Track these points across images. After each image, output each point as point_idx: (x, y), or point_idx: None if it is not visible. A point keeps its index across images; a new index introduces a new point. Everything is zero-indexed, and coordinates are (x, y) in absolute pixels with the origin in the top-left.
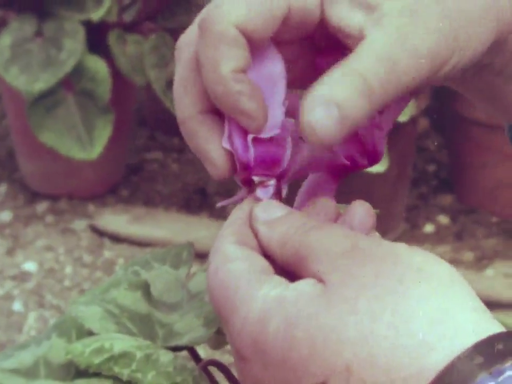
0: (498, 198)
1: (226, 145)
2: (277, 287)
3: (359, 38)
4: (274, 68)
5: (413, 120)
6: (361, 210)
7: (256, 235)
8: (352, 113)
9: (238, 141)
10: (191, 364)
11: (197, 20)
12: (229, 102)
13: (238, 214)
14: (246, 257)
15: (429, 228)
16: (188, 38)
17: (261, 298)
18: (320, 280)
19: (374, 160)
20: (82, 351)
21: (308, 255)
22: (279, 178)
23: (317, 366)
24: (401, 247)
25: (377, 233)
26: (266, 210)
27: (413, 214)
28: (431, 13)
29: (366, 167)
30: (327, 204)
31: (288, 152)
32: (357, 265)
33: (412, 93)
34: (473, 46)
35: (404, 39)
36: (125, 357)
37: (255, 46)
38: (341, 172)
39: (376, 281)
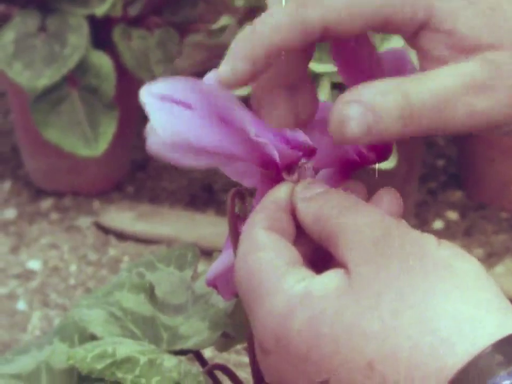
0: (508, 194)
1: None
2: (302, 280)
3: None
4: None
5: None
6: (388, 198)
7: (294, 211)
8: (384, 126)
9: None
10: (196, 368)
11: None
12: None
13: (272, 198)
14: (275, 246)
15: (438, 224)
16: None
17: (286, 291)
18: (348, 271)
19: (383, 156)
20: (85, 356)
21: (340, 236)
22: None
23: (339, 361)
24: (430, 240)
25: (404, 221)
26: (306, 188)
27: (422, 210)
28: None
29: (375, 163)
30: (358, 186)
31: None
32: (386, 258)
33: None
34: None
35: (469, 89)
36: (128, 362)
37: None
38: (349, 168)
39: (402, 277)
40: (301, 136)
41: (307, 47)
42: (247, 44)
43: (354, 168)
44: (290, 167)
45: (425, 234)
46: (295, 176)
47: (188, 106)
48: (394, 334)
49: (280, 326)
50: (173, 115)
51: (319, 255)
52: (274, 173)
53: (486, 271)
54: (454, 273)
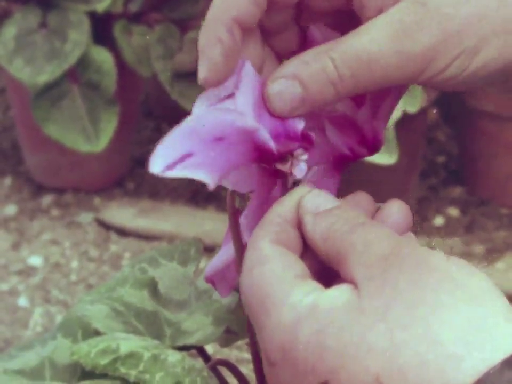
0: (509, 190)
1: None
2: (310, 293)
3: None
4: None
5: (422, 112)
6: (396, 210)
7: (301, 224)
8: (315, 96)
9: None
10: (200, 364)
11: None
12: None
13: (278, 211)
14: (282, 260)
15: (439, 220)
16: None
17: (293, 304)
18: (356, 287)
19: (374, 149)
20: (88, 351)
21: (349, 254)
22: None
23: (346, 376)
24: (439, 255)
25: (412, 235)
26: (315, 201)
27: (422, 206)
28: (439, 12)
29: (366, 156)
30: (366, 198)
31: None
32: (394, 273)
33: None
34: (490, 51)
35: (397, 35)
36: (132, 357)
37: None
38: (342, 163)
39: (410, 291)
40: (299, 126)
41: (269, 19)
42: (209, 28)
43: (346, 163)
44: (285, 157)
45: (434, 251)
46: (287, 166)
47: (189, 155)
48: (401, 350)
49: (287, 338)
50: (189, 170)
51: (325, 269)
52: (270, 165)
53: (486, 267)
54: (462, 287)
